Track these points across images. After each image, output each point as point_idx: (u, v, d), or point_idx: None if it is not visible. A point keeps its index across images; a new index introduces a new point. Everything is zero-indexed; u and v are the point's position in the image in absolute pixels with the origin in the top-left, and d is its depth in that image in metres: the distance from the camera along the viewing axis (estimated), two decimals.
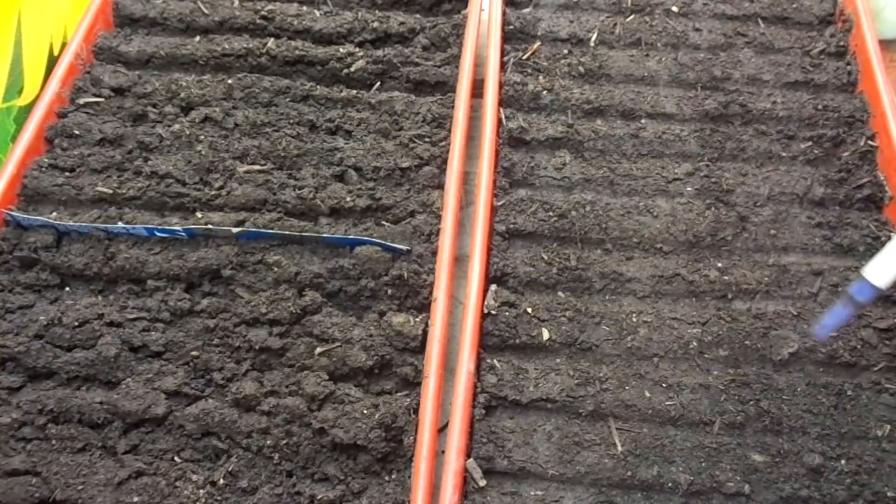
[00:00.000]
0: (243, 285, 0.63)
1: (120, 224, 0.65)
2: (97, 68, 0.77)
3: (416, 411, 0.56)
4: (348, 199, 0.67)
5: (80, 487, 0.54)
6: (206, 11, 0.81)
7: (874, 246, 0.64)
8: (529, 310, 0.61)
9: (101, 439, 0.57)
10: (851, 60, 0.75)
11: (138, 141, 0.71)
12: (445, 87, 0.77)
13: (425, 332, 0.60)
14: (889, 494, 0.53)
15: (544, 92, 0.74)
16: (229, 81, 0.76)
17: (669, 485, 0.53)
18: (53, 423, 0.57)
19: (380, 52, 0.78)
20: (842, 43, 0.76)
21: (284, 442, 0.55)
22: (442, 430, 0.56)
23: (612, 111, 0.73)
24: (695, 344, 0.59)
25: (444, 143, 0.71)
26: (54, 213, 0.67)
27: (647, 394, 0.57)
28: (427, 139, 0.72)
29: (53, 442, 0.56)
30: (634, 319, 0.60)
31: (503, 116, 0.72)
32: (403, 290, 0.62)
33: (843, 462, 0.54)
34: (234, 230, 0.64)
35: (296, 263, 0.63)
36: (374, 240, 0.63)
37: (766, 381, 0.57)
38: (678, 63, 0.76)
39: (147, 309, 0.62)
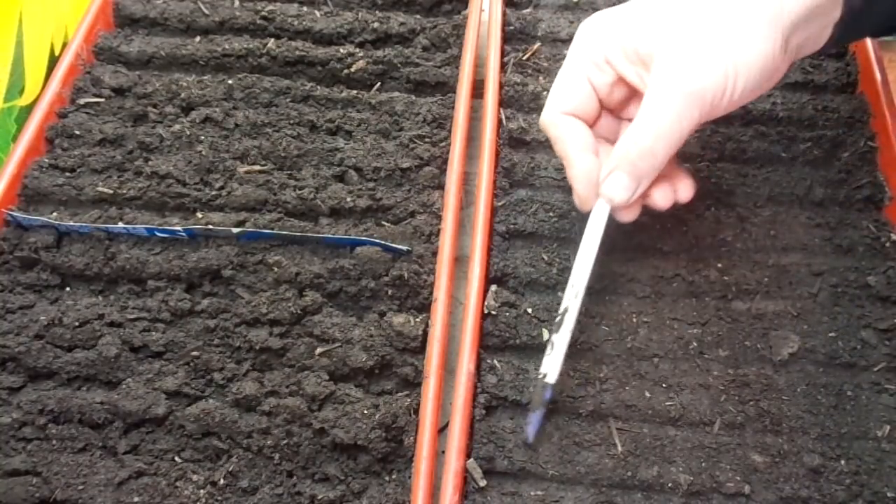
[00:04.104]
0: (244, 285, 0.63)
1: (120, 224, 0.65)
2: (98, 68, 0.77)
3: (416, 411, 0.56)
4: (349, 199, 0.67)
5: (80, 487, 0.54)
6: (207, 12, 0.81)
7: (874, 246, 0.64)
8: (529, 310, 0.61)
9: (102, 439, 0.57)
10: (851, 61, 0.75)
11: (139, 141, 0.71)
12: (446, 88, 0.77)
13: (425, 333, 0.60)
14: (889, 495, 0.53)
15: (545, 92, 0.74)
16: (230, 82, 0.76)
17: (669, 485, 0.53)
18: (54, 423, 0.57)
19: (380, 53, 0.78)
20: None
21: (285, 442, 0.55)
22: (442, 430, 0.56)
23: None
24: (695, 344, 0.59)
25: (444, 144, 0.71)
26: (55, 214, 0.67)
27: (647, 394, 0.57)
28: (427, 139, 0.72)
29: (54, 442, 0.56)
30: (634, 320, 0.60)
31: (503, 117, 0.72)
32: (404, 290, 0.62)
33: (842, 462, 0.54)
34: (235, 230, 0.64)
35: (296, 264, 0.63)
36: (374, 240, 0.63)
37: (766, 381, 0.57)
38: None
39: (147, 309, 0.62)
